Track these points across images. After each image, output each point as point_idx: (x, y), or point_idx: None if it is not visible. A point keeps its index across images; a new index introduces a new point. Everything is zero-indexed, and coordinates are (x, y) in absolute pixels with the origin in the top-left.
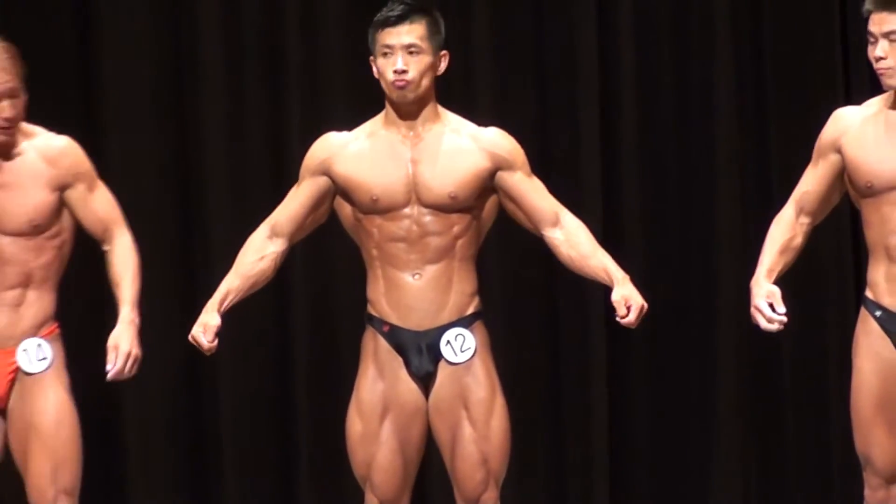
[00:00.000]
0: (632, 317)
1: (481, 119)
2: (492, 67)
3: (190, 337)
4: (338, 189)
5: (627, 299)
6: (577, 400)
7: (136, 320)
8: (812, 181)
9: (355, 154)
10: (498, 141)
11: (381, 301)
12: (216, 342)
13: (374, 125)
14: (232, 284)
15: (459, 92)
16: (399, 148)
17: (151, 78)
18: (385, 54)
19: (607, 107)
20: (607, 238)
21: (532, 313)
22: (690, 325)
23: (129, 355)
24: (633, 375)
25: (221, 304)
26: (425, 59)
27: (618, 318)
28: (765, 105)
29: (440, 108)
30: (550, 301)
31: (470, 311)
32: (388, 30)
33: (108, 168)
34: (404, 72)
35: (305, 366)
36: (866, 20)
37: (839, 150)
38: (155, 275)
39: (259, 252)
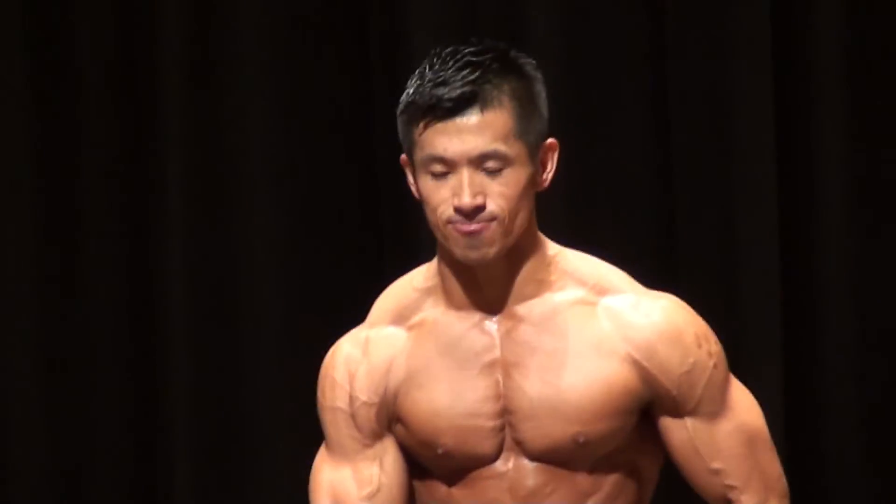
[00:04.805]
0: None
1: None
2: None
3: None
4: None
5: None
6: None
7: None
8: None
9: (411, 366)
10: (660, 344)
11: None
12: None
13: (426, 295)
14: None
15: None
16: (477, 341)
17: None
18: (436, 174)
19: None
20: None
21: None
22: None
23: None
24: None
25: None
26: (518, 176)
27: None
28: None
29: (549, 248)
30: None
31: None
32: (438, 125)
33: None
34: (478, 209)
35: None
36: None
37: None
38: None
39: None
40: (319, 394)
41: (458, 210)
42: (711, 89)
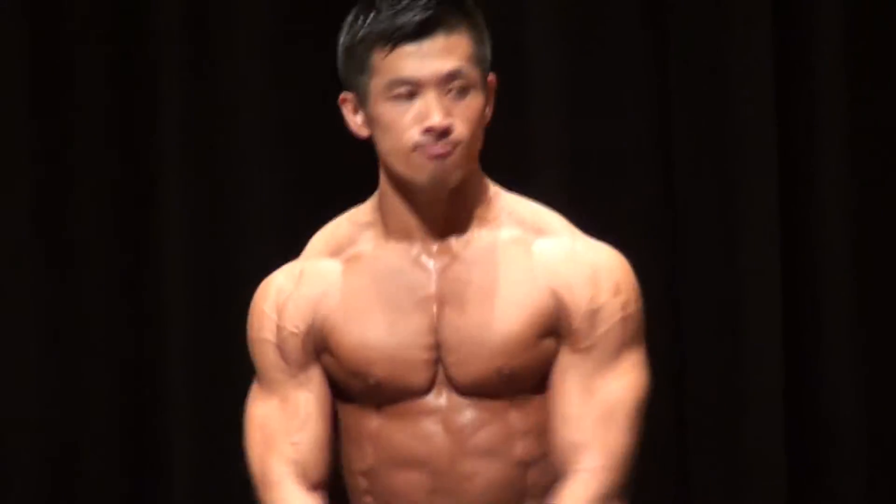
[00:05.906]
0: None
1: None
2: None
3: None
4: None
5: None
6: None
7: None
8: None
9: (345, 296)
10: (577, 279)
11: None
12: None
13: (364, 229)
14: None
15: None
16: (413, 275)
17: None
18: (399, 96)
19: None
20: None
21: None
22: None
23: None
24: None
25: None
26: (478, 102)
27: None
28: None
29: (490, 187)
30: None
31: None
32: (406, 47)
33: None
34: (446, 131)
35: None
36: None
37: None
38: None
39: None
40: (248, 326)
41: (428, 130)
42: (713, 67)
